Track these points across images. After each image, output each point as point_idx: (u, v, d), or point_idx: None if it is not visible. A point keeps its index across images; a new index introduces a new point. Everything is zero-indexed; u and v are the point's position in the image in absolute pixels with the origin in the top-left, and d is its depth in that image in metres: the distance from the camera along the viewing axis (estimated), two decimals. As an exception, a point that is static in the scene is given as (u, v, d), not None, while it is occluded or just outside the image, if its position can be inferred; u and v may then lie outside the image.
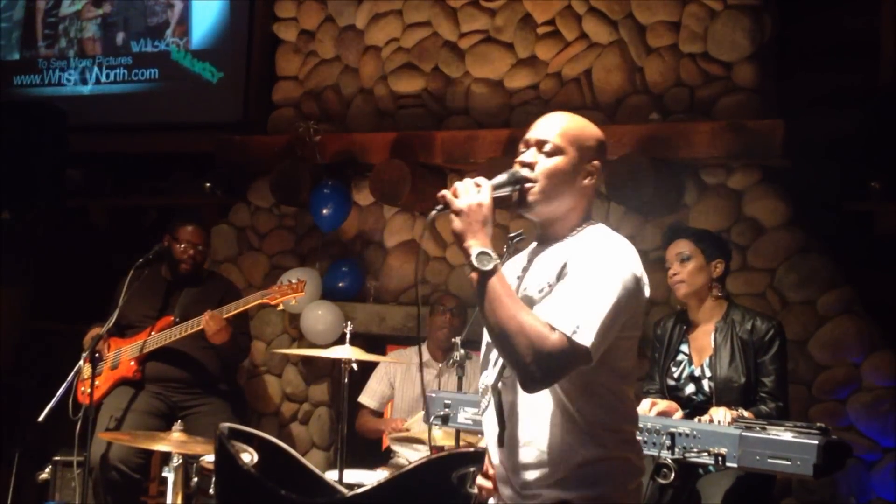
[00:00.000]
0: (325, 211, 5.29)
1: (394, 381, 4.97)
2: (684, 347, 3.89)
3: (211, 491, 3.72)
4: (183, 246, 4.74)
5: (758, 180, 4.68)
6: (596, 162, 2.40)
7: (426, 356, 4.90)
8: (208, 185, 6.00)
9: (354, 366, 4.03)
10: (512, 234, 3.84)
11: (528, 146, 2.41)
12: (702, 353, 3.84)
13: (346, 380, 4.02)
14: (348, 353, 4.01)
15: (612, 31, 5.01)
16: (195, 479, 3.92)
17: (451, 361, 3.88)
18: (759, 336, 3.75)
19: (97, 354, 4.39)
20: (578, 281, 2.21)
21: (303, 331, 5.29)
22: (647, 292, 2.33)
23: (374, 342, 5.25)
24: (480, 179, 2.29)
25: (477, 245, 2.20)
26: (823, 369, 4.48)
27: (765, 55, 4.79)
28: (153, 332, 4.65)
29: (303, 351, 4.85)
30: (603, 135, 2.46)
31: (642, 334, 2.44)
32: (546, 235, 2.43)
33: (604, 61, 5.03)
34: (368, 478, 4.04)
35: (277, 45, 5.91)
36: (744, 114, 4.67)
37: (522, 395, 2.27)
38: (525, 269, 2.43)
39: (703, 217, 4.64)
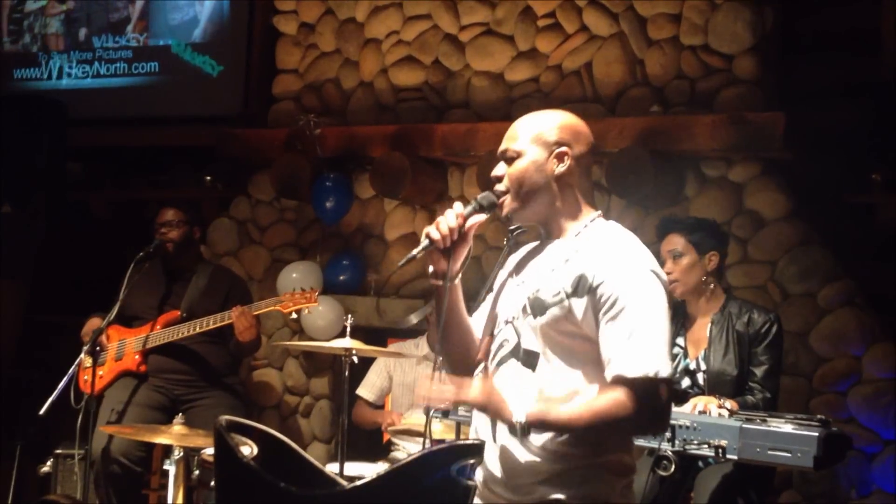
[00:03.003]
0: (327, 204, 5.29)
1: (392, 374, 4.97)
2: (680, 341, 3.88)
3: (212, 484, 3.73)
4: (160, 231, 4.73)
5: (758, 173, 4.68)
6: (564, 147, 2.37)
7: (426, 349, 4.89)
8: (209, 178, 6.00)
9: (355, 358, 4.03)
10: (512, 227, 3.83)
11: (498, 159, 2.44)
12: (698, 345, 3.83)
13: (346, 373, 4.02)
14: (349, 346, 4.01)
15: (612, 24, 5.00)
16: (196, 472, 3.93)
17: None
18: (755, 328, 3.74)
19: (98, 347, 4.38)
20: (630, 317, 2.20)
21: (303, 326, 5.29)
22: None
23: (375, 335, 5.25)
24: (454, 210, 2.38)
25: (512, 416, 2.23)
26: (824, 361, 4.49)
27: (765, 47, 4.79)
28: (158, 326, 4.64)
29: (304, 344, 4.85)
30: (572, 120, 2.44)
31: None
32: (547, 232, 2.44)
33: (604, 54, 5.02)
34: (369, 470, 4.05)
35: (277, 38, 5.90)
36: (744, 106, 4.67)
37: (515, 395, 2.29)
38: (525, 263, 2.44)
39: (704, 210, 4.63)
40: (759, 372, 3.71)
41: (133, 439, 4.31)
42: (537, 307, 2.30)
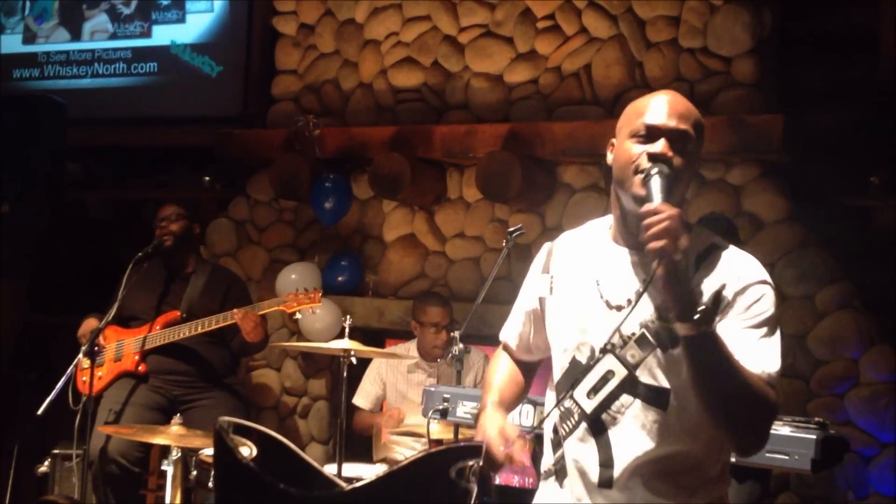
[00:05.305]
0: (326, 205, 5.29)
1: (385, 380, 4.95)
2: None
3: (210, 484, 3.73)
4: (161, 225, 4.72)
5: (757, 175, 4.68)
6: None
7: (417, 357, 4.86)
8: (207, 178, 6.00)
9: (353, 359, 4.03)
10: (511, 230, 3.83)
11: (654, 133, 2.05)
12: None
13: (345, 373, 4.02)
14: (347, 347, 4.01)
15: (611, 26, 5.00)
16: (194, 473, 3.93)
17: (450, 356, 3.88)
18: None
19: (96, 347, 4.38)
20: (766, 322, 2.06)
21: (301, 329, 5.29)
22: None
23: (373, 336, 5.26)
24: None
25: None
26: (822, 364, 4.49)
27: (764, 50, 4.79)
28: (157, 326, 4.64)
29: (302, 345, 4.85)
30: None
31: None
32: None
33: (604, 56, 5.02)
34: (367, 472, 4.05)
35: (277, 39, 5.91)
36: (743, 108, 4.67)
37: (632, 437, 2.09)
38: (615, 278, 2.13)
39: (703, 212, 4.64)
40: None
41: (131, 440, 4.30)
42: (666, 338, 2.02)
